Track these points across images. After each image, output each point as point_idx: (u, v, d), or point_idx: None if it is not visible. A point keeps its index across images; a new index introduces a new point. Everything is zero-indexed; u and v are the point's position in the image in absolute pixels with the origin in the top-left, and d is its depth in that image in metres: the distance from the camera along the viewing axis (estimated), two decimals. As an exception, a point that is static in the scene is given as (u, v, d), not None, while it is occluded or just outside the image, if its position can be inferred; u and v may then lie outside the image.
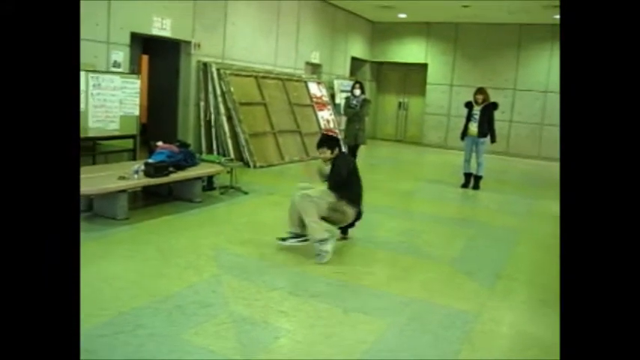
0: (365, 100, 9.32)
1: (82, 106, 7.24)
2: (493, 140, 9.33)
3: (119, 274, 4.32)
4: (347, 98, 9.64)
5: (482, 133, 9.16)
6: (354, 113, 9.26)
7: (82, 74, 7.21)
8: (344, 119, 13.37)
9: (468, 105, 9.43)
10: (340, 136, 8.78)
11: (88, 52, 7.55)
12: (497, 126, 9.55)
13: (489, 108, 9.20)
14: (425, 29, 16.38)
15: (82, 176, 5.80)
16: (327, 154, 5.40)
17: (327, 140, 5.49)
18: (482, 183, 9.46)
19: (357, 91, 9.34)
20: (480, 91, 9.31)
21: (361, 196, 5.43)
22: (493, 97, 9.61)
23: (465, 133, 9.43)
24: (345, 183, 5.25)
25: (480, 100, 9.20)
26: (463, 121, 9.58)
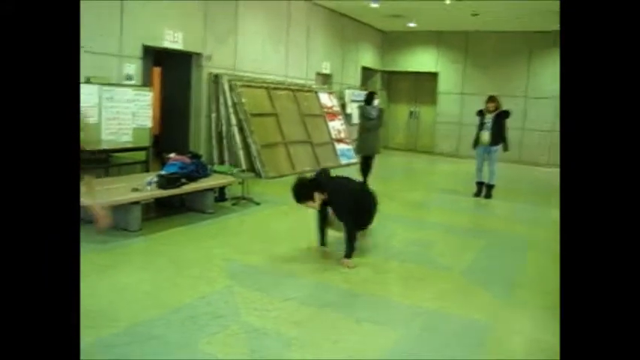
0: (381, 110, 9.33)
1: (95, 118, 7.32)
2: (506, 148, 9.28)
3: (132, 285, 4.34)
4: (361, 107, 9.59)
5: (494, 142, 9.12)
6: (370, 124, 9.22)
7: (95, 87, 7.30)
8: (355, 129, 13.43)
9: (480, 113, 9.40)
10: (352, 147, 8.79)
11: (100, 65, 7.64)
12: (509, 134, 9.49)
13: (501, 116, 9.15)
14: (435, 38, 16.39)
15: (96, 188, 5.86)
16: (317, 199, 5.08)
17: (305, 188, 5.12)
18: (494, 192, 9.41)
19: (376, 101, 9.36)
20: (492, 99, 9.28)
21: (372, 216, 5.40)
22: (505, 105, 9.56)
23: (476, 142, 9.39)
24: (355, 217, 5.12)
25: (491, 109, 9.17)
26: (475, 129, 9.55)
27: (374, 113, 9.21)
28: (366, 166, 9.40)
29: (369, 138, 9.26)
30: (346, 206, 5.09)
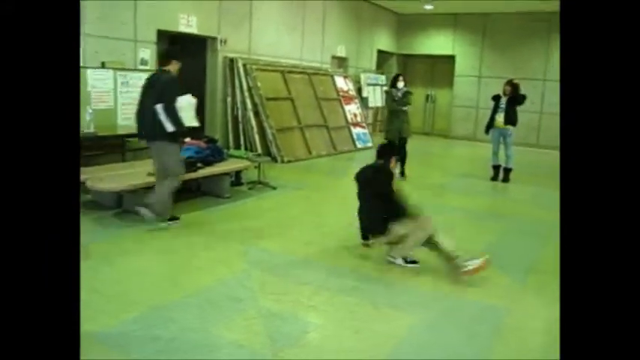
0: (408, 92, 9.13)
1: (111, 103, 7.33)
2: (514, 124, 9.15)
3: (150, 269, 4.36)
4: (387, 92, 9.42)
5: (508, 122, 9.01)
6: (399, 106, 9.00)
7: (110, 72, 7.29)
8: (371, 113, 13.25)
9: (496, 98, 9.28)
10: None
11: (115, 50, 7.64)
12: (527, 117, 9.35)
13: (515, 99, 9.02)
14: (452, 20, 16.16)
15: (112, 173, 5.90)
16: (393, 162, 5.08)
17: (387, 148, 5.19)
18: (512, 175, 9.31)
19: (401, 84, 9.12)
20: (510, 82, 9.16)
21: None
22: (523, 89, 9.41)
23: (490, 126, 9.28)
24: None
25: (507, 92, 9.06)
26: (489, 114, 9.44)
27: (400, 95, 9.04)
28: (402, 150, 9.01)
29: (395, 121, 9.04)
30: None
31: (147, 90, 5.41)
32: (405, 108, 8.99)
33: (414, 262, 4.74)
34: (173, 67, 5.50)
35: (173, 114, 5.17)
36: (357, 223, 5.10)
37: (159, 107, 5.13)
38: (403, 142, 9.01)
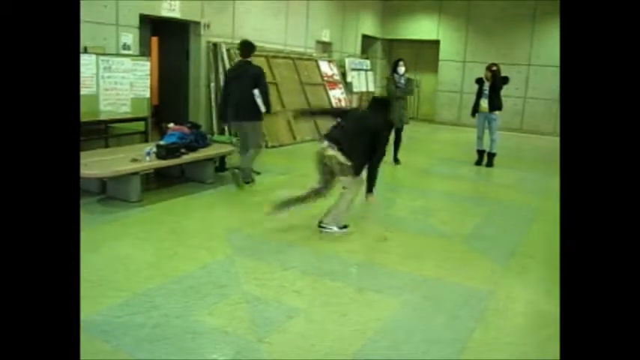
0: (409, 79, 9.01)
1: (93, 89, 7.23)
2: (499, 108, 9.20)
3: (133, 256, 4.34)
4: (389, 78, 9.20)
5: (492, 108, 9.04)
6: (403, 94, 8.88)
7: (92, 57, 7.19)
8: (356, 98, 13.16)
9: (479, 81, 9.31)
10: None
11: (97, 35, 7.53)
12: (512, 102, 9.40)
13: (498, 82, 9.04)
14: (437, 4, 16.12)
15: (95, 159, 5.84)
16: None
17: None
18: (496, 160, 9.37)
19: (402, 69, 8.92)
20: (489, 68, 9.17)
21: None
22: (506, 73, 9.44)
23: (475, 110, 9.33)
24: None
25: (489, 77, 9.08)
26: (474, 97, 9.47)
27: (403, 82, 8.89)
28: (398, 138, 8.99)
29: (397, 108, 8.70)
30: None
31: (233, 79, 6.62)
32: (398, 93, 8.85)
33: (345, 226, 4.94)
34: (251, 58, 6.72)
35: (266, 98, 6.50)
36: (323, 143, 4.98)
37: (256, 92, 6.38)
38: (400, 128, 8.96)
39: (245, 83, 6.40)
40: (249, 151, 6.64)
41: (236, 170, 6.65)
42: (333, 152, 4.82)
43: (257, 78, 6.45)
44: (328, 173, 4.95)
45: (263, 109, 6.48)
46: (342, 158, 4.79)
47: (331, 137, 4.94)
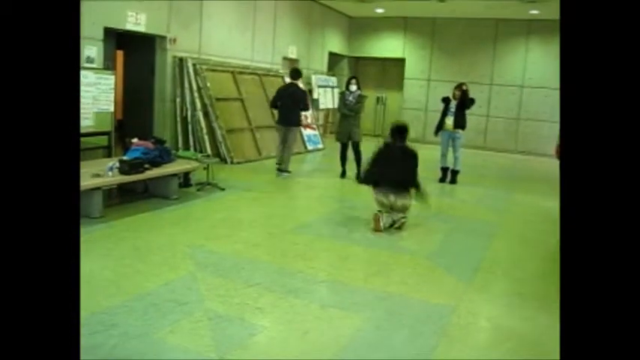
0: (361, 96, 9.05)
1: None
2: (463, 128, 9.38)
3: (94, 273, 4.25)
4: (341, 94, 9.36)
5: (457, 125, 9.20)
6: (350, 110, 8.93)
7: (55, 70, 7.07)
8: (322, 115, 13.29)
9: (446, 100, 9.47)
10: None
11: (60, 48, 7.41)
12: (475, 120, 9.61)
13: (464, 102, 9.22)
14: (402, 24, 16.39)
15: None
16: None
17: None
18: (459, 177, 9.51)
19: (354, 87, 9.02)
20: (459, 87, 9.34)
21: None
22: (470, 92, 9.63)
23: (440, 128, 9.47)
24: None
25: (457, 96, 9.25)
26: (438, 116, 9.61)
27: (351, 99, 8.98)
28: (343, 154, 9.19)
29: (344, 125, 9.01)
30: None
31: (283, 94, 9.05)
32: (356, 114, 8.96)
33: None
34: (299, 81, 9.44)
35: (305, 110, 9.67)
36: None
37: (299, 109, 9.07)
38: (356, 145, 9.02)
39: (292, 100, 8.87)
40: (289, 148, 9.04)
41: (283, 173, 8.95)
42: (401, 201, 6.10)
43: (300, 101, 8.97)
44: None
45: (302, 121, 9.78)
46: (406, 199, 6.17)
47: (386, 182, 6.19)
